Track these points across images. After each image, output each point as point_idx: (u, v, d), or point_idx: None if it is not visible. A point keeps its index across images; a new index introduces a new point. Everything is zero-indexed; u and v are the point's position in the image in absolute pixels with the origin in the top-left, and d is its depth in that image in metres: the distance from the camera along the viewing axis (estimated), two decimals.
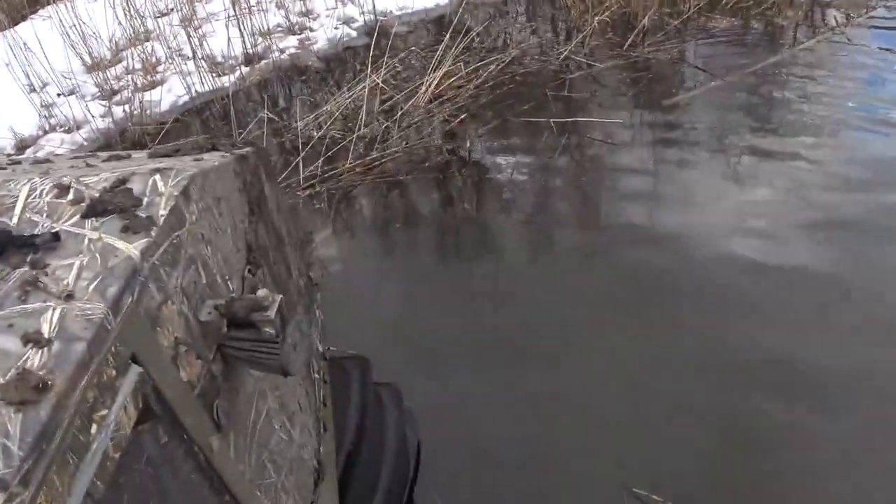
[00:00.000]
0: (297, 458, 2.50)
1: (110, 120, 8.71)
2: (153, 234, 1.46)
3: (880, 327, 5.28)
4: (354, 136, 8.44)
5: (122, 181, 1.63)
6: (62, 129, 8.76)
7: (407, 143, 8.43)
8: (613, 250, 6.65)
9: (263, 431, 2.12)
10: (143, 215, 1.50)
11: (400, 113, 8.66)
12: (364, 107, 8.59)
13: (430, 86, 8.87)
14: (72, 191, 1.61)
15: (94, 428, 1.20)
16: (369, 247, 7.52)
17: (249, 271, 2.06)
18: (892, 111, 7.84)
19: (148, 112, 8.81)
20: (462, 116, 8.66)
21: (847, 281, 5.75)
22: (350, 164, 8.31)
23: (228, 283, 1.87)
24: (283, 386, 2.35)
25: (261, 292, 1.61)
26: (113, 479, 1.27)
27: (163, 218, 1.50)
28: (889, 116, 7.77)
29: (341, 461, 3.82)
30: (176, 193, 1.61)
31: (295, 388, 2.53)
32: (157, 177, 1.66)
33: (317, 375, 2.96)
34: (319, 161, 8.15)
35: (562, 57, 9.41)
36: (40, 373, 1.15)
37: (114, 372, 1.28)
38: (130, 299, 1.34)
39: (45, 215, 1.55)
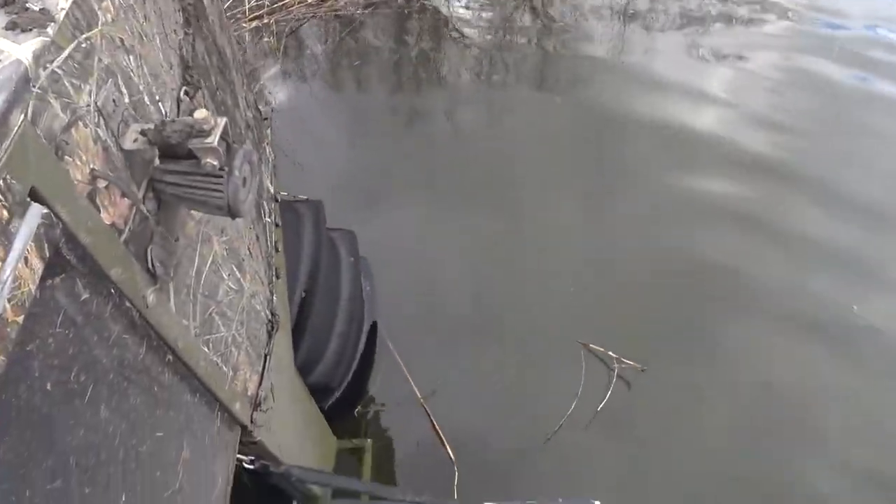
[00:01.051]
0: (248, 308, 2.26)
1: None
2: (50, 32, 1.11)
3: None
4: None
5: None
6: None
7: None
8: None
9: (209, 281, 1.86)
10: (36, 8, 1.14)
11: None
12: None
13: None
14: None
15: None
16: (319, 84, 7.06)
17: (186, 93, 1.71)
18: None
19: None
20: None
21: None
22: None
23: (160, 104, 1.54)
24: (231, 230, 2.07)
25: (199, 113, 1.29)
26: (16, 345, 1.00)
27: (63, 12, 1.14)
28: None
29: (295, 308, 3.64)
30: None
31: (244, 232, 2.25)
32: None
33: (268, 219, 2.67)
34: None
35: None
36: None
37: (5, 213, 0.98)
38: (22, 117, 1.02)
39: None
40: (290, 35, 7.38)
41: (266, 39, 7.21)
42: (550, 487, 4.00)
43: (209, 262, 1.86)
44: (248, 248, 2.29)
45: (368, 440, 4.41)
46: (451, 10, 7.66)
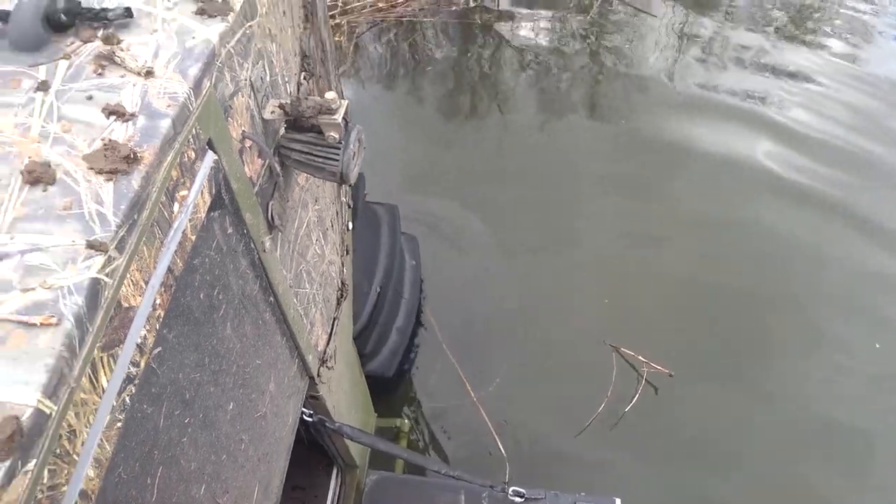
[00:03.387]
0: (326, 273, 2.56)
1: None
2: (230, 19, 1.41)
3: None
4: None
5: None
6: None
7: None
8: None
9: (303, 242, 2.16)
10: (219, 0, 1.45)
11: None
12: None
13: None
14: None
15: (176, 206, 1.22)
16: (380, 86, 7.40)
17: (304, 78, 2.02)
18: None
19: None
20: None
21: None
22: None
23: (287, 85, 1.84)
24: (322, 200, 2.37)
25: (329, 94, 1.58)
26: (189, 257, 1.30)
27: (239, 4, 1.45)
28: None
29: (371, 300, 4.06)
30: None
31: (329, 205, 2.55)
32: None
33: (344, 199, 2.98)
34: None
35: None
36: (129, 145, 1.15)
37: (193, 154, 1.28)
38: (209, 83, 1.32)
39: None
40: (359, 36, 7.74)
41: (337, 39, 7.57)
42: (577, 481, 4.25)
43: (304, 224, 2.16)
44: (331, 221, 2.59)
45: (406, 421, 4.71)
46: (513, 31, 7.94)
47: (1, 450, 0.83)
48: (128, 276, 1.07)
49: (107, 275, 1.02)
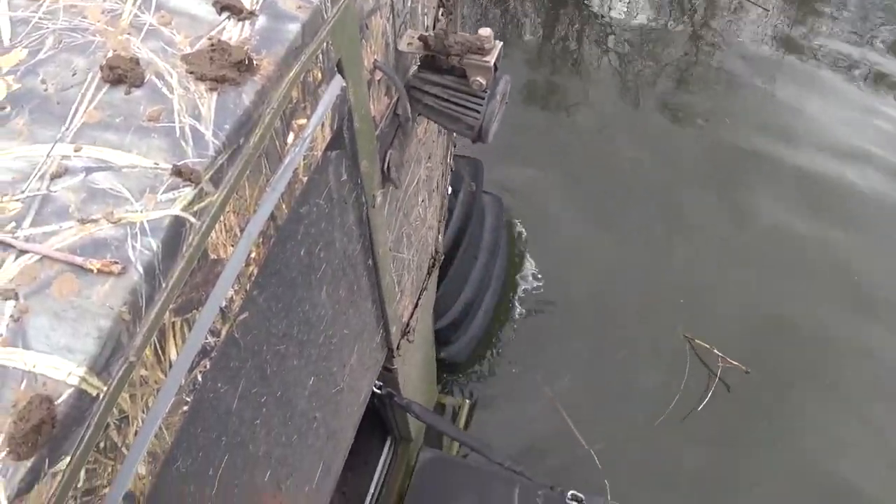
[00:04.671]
0: (423, 238, 2.30)
1: None
2: None
3: None
4: None
5: None
6: None
7: None
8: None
9: (410, 201, 1.90)
10: None
11: None
12: None
13: None
14: None
15: (290, 137, 0.96)
16: None
17: (442, 15, 1.73)
18: None
19: None
20: None
21: None
22: None
23: (424, 18, 1.56)
24: (434, 157, 2.10)
25: (483, 31, 1.30)
26: (296, 203, 1.04)
27: None
28: None
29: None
30: None
31: (438, 164, 2.27)
32: None
33: (450, 161, 2.70)
34: None
35: None
36: (244, 49, 0.88)
37: (320, 75, 1.01)
38: None
39: None
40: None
41: None
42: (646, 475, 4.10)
43: (414, 182, 1.89)
44: (437, 182, 2.31)
45: (466, 400, 4.47)
46: (606, 8, 7.46)
47: (21, 444, 0.58)
48: (221, 218, 0.81)
49: (194, 214, 0.76)
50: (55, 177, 0.75)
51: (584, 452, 4.21)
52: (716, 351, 4.56)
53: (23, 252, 0.68)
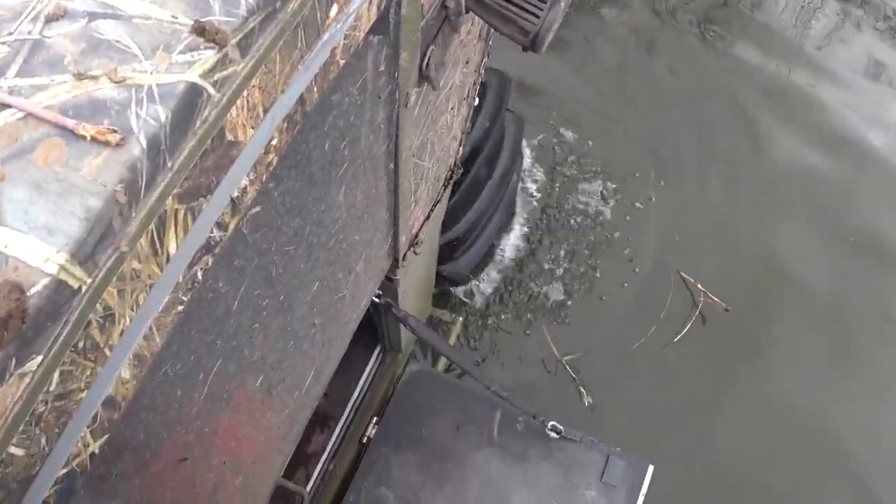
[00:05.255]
0: (447, 149, 2.17)
1: None
2: None
3: None
4: None
5: None
6: None
7: None
8: None
9: (440, 107, 1.76)
10: None
11: None
12: None
13: None
14: None
15: (333, 9, 0.81)
16: None
17: None
18: None
19: None
20: None
21: None
22: None
23: None
24: (471, 63, 1.94)
25: None
26: (329, 89, 0.91)
27: None
28: None
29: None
30: None
31: (473, 72, 2.12)
32: None
33: (482, 72, 2.54)
34: None
35: None
36: None
37: None
38: None
39: None
40: None
41: None
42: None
43: (448, 87, 1.75)
44: (468, 90, 2.16)
45: (459, 318, 4.42)
46: None
47: None
48: (244, 93, 0.68)
49: (214, 84, 0.63)
50: (51, 19, 0.61)
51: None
52: (699, 286, 4.53)
53: (3, 106, 0.55)
